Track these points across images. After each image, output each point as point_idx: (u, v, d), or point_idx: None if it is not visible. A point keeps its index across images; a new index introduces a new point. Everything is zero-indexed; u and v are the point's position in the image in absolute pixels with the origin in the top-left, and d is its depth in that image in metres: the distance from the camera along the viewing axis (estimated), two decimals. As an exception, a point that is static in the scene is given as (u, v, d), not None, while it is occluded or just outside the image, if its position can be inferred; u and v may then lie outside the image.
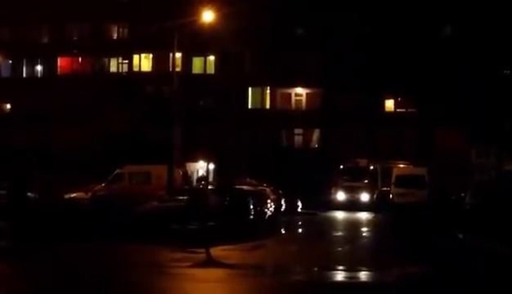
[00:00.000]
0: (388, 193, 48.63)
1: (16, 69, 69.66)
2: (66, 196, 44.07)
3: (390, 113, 63.01)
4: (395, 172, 48.94)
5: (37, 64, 70.05)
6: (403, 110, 62.63)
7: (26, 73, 70.13)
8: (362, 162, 52.23)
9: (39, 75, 70.08)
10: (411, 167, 50.56)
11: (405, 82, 59.38)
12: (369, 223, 38.74)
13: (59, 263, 19.99)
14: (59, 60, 68.98)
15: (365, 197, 50.29)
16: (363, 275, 18.58)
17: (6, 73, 69.54)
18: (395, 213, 42.95)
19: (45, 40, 69.23)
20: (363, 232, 32.95)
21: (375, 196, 50.38)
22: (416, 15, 59.85)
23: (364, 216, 43.78)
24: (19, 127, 64.18)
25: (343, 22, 60.24)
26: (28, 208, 32.01)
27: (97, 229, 27.69)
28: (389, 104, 63.67)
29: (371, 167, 52.00)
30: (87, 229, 27.32)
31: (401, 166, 50.87)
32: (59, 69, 69.02)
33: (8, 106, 69.68)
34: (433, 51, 59.32)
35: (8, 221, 28.82)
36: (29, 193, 47.23)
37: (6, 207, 30.26)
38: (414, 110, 61.59)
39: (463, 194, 44.80)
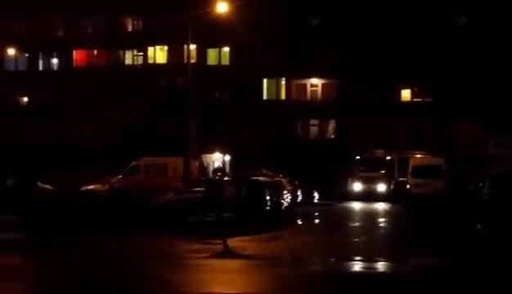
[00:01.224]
0: (405, 183, 48.45)
1: (32, 62, 69.93)
2: (83, 188, 44.31)
3: (406, 103, 62.73)
4: (412, 162, 48.74)
5: (52, 57, 70.29)
6: (420, 100, 62.34)
7: (42, 67, 70.40)
8: (379, 152, 52.06)
9: (55, 68, 70.34)
10: (428, 157, 50.33)
11: (421, 71, 59.06)
12: (385, 214, 38.63)
13: (75, 255, 20.06)
14: (74, 53, 69.20)
15: (381, 187, 50.13)
16: (380, 266, 18.52)
17: (22, 67, 69.81)
18: (412, 204, 42.77)
19: (60, 33, 69.45)
20: (380, 223, 32.84)
21: (391, 186, 50.20)
22: (432, 4, 59.49)
23: (381, 206, 43.66)
24: (35, 120, 64.46)
25: (359, 12, 59.97)
26: (44, 200, 32.18)
27: (114, 220, 27.76)
28: (406, 94, 63.39)
29: (388, 158, 51.81)
30: (104, 221, 27.40)
31: (418, 156, 50.64)
32: (74, 62, 69.26)
33: (25, 99, 69.96)
34: (450, 40, 58.94)
35: (19, 214, 28.99)
36: (46, 186, 47.57)
37: (17, 200, 30.45)
38: (430, 100, 61.28)
39: (481, 185, 44.77)
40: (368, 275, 17.12)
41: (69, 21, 68.51)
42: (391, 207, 42.64)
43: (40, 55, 70.13)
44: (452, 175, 47.69)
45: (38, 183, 49.73)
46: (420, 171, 47.45)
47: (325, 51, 60.94)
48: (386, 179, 50.53)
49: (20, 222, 27.83)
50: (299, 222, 32.70)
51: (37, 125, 64.09)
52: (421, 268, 17.67)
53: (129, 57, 68.60)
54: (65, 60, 69.31)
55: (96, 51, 69.20)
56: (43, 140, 62.21)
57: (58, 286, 15.20)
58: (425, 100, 61.90)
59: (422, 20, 59.44)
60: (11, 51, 65.11)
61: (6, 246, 22.23)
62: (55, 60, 70.44)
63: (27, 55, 69.45)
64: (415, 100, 62.83)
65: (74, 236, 24.08)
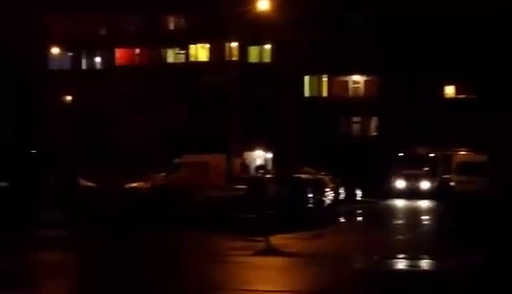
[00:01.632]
0: (449, 180, 47.95)
1: (76, 61, 70.64)
2: (126, 186, 44.67)
3: (450, 99, 62.08)
4: (455, 160, 48.23)
5: (95, 56, 70.96)
6: (464, 96, 61.67)
7: (85, 66, 71.10)
8: (422, 149, 51.67)
9: (98, 67, 70.99)
10: (472, 154, 49.74)
11: (465, 67, 58.39)
12: (429, 211, 38.30)
13: (117, 251, 20.21)
14: (116, 51, 69.75)
15: (425, 185, 49.73)
16: (423, 263, 18.35)
17: (66, 66, 70.54)
18: (456, 201, 42.31)
19: (103, 32, 70.08)
20: (423, 220, 32.57)
21: (435, 184, 49.75)
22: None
23: (424, 204, 43.30)
24: (81, 119, 65.14)
25: (401, 7, 59.47)
26: (87, 198, 32.54)
27: (157, 218, 27.93)
28: (449, 91, 62.73)
29: (431, 155, 51.36)
30: (147, 219, 27.58)
31: (462, 153, 50.09)
32: (117, 61, 69.79)
33: (69, 98, 70.71)
34: (494, 35, 58.16)
35: (62, 211, 29.36)
36: (89, 183, 48.11)
37: (60, 197, 30.85)
38: (475, 97, 60.55)
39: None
40: (412, 273, 16.97)
41: (111, 20, 69.09)
42: (434, 205, 42.28)
43: (83, 54, 70.82)
44: (497, 172, 47.06)
45: (82, 180, 50.40)
46: (464, 168, 46.92)
47: (367, 48, 60.59)
48: (429, 176, 50.10)
49: (63, 219, 28.20)
50: (342, 220, 32.57)
51: (81, 123, 64.73)
52: (465, 265, 17.45)
53: (171, 55, 68.92)
54: (108, 58, 69.91)
55: (138, 50, 69.66)
56: (87, 138, 62.85)
57: (101, 282, 15.31)
58: (469, 96, 61.17)
59: (466, 14, 58.67)
60: (55, 51, 65.84)
61: (51, 242, 22.49)
62: (98, 59, 71.09)
63: (70, 54, 70.15)
64: (459, 96, 62.15)
65: (117, 233, 24.27)
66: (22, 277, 15.82)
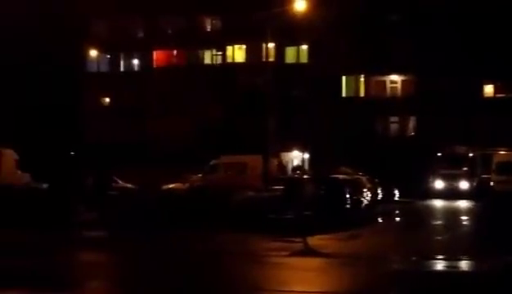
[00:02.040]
0: (488, 180, 47.46)
1: (114, 63, 71.24)
2: (164, 187, 44.93)
3: (489, 98, 61.46)
4: (495, 159, 47.73)
5: (133, 57, 71.49)
6: (503, 95, 60.99)
7: (123, 67, 71.65)
8: (461, 149, 51.22)
9: (136, 69, 71.51)
10: (512, 153, 49.20)
11: (505, 66, 57.75)
12: (468, 211, 37.95)
13: (156, 252, 20.35)
14: (154, 53, 70.19)
15: (464, 185, 49.32)
16: (463, 264, 18.20)
17: (104, 68, 71.18)
18: (495, 201, 41.88)
19: (140, 34, 70.58)
20: (462, 220, 32.28)
21: (474, 184, 49.29)
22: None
23: (463, 204, 42.92)
24: (118, 120, 65.66)
25: (438, 6, 59.00)
26: (124, 199, 32.81)
27: (194, 219, 28.05)
28: (488, 90, 62.09)
29: (470, 154, 50.90)
30: (185, 220, 27.71)
31: (502, 152, 49.53)
32: (154, 63, 70.23)
33: (107, 100, 71.33)
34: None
35: (100, 212, 29.65)
36: (127, 184, 48.46)
37: (96, 198, 31.17)
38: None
39: None
40: (450, 274, 16.83)
41: (149, 22, 69.57)
42: (473, 205, 41.88)
43: (121, 55, 71.38)
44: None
45: (120, 181, 50.82)
46: (504, 167, 46.42)
47: (404, 47, 60.22)
48: (468, 176, 49.68)
49: (102, 220, 28.48)
50: (379, 220, 32.42)
51: (119, 125, 65.25)
52: (504, 266, 17.27)
53: (208, 57, 69.20)
54: (146, 60, 70.39)
55: (175, 51, 70.04)
56: (125, 139, 63.34)
57: (141, 283, 15.44)
58: (509, 95, 60.47)
59: (504, 12, 58.04)
60: (93, 53, 66.49)
61: (91, 243, 22.73)
62: (135, 61, 71.62)
63: (108, 56, 70.78)
64: (498, 95, 61.48)
65: (155, 234, 24.44)
66: (65, 278, 16.01)
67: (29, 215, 27.55)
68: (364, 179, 37.07)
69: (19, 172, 41.03)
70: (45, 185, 41.24)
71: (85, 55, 68.18)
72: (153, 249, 20.98)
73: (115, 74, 70.21)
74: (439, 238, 24.63)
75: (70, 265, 18.08)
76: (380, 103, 63.07)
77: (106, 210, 30.13)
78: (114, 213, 29.36)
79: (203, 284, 15.19)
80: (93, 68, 70.81)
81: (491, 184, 46.92)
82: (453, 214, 35.61)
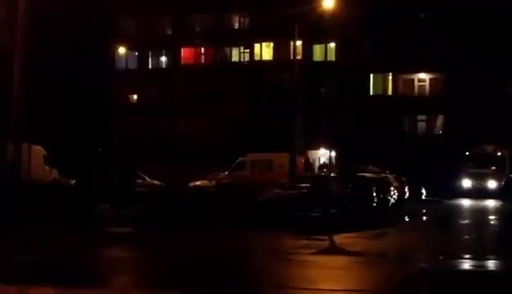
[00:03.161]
0: (517, 180, 47.15)
1: (142, 60, 71.57)
2: (191, 184, 45.14)
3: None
4: (524, 158, 47.39)
5: (161, 55, 71.79)
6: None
7: (151, 65, 71.95)
8: (489, 148, 50.88)
9: (163, 66, 71.78)
10: (541, 152, 48.81)
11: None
12: (496, 211, 37.69)
13: (184, 249, 20.44)
14: (182, 50, 70.41)
15: (492, 184, 49.00)
16: (490, 264, 18.09)
17: (132, 65, 71.54)
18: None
19: (168, 31, 70.85)
20: (490, 220, 32.06)
21: (502, 183, 48.94)
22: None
23: (491, 203, 42.64)
24: (145, 117, 65.96)
25: (467, 3, 58.58)
26: (152, 196, 33.02)
27: (221, 216, 28.14)
28: (517, 88, 61.60)
29: (499, 154, 50.54)
30: (212, 217, 27.81)
31: (531, 152, 49.19)
32: (182, 60, 70.44)
33: (135, 97, 71.69)
34: None
35: (125, 209, 29.86)
36: (154, 182, 48.72)
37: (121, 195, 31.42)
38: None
39: None
40: (478, 273, 16.74)
41: (176, 19, 69.81)
42: (502, 204, 41.58)
43: (149, 53, 71.68)
44: None
45: (147, 178, 51.11)
46: (533, 167, 46.07)
47: (433, 45, 59.89)
48: (497, 175, 49.35)
49: (128, 216, 28.68)
50: (407, 219, 32.30)
51: (146, 122, 65.56)
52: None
53: (236, 54, 69.28)
54: (173, 57, 70.65)
55: (203, 49, 70.20)
56: (152, 136, 63.62)
57: (168, 279, 15.53)
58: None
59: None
60: (122, 50, 66.85)
61: (119, 240, 22.89)
62: (163, 58, 71.92)
63: (136, 53, 71.12)
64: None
65: (182, 231, 24.56)
66: (94, 272, 16.15)
67: (56, 211, 27.78)
68: (391, 177, 36.95)
69: (47, 168, 41.41)
70: (73, 181, 41.68)
71: (114, 53, 68.55)
72: (180, 246, 21.08)
73: (143, 71, 70.53)
74: (466, 237, 24.51)
75: (97, 261, 18.22)
76: (408, 101, 62.80)
77: (133, 207, 30.35)
78: (141, 210, 29.57)
79: (229, 282, 15.25)
80: (122, 65, 71.18)
81: (520, 183, 46.58)
82: (481, 213, 35.38)
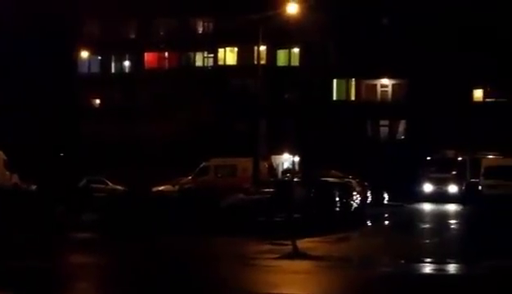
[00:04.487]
0: (477, 184, 47.64)
1: (105, 64, 71.12)
2: (154, 189, 44.95)
3: (479, 103, 61.71)
4: (484, 163, 47.90)
5: (125, 59, 71.39)
6: (493, 100, 61.25)
7: (114, 69, 71.53)
8: (450, 153, 51.39)
9: (127, 71, 71.42)
10: (501, 158, 49.37)
11: (494, 71, 58.05)
12: (457, 215, 38.11)
13: (146, 255, 20.37)
14: (146, 55, 70.12)
15: (453, 188, 49.49)
16: (451, 268, 18.30)
17: (95, 69, 71.07)
18: (484, 205, 42.06)
19: (132, 36, 70.50)
20: (451, 224, 32.42)
21: (463, 188, 49.49)
22: (505, 1, 58.39)
23: (452, 207, 43.09)
24: (108, 122, 65.55)
25: (429, 10, 59.20)
26: (114, 201, 32.81)
27: (184, 221, 28.07)
28: (478, 94, 62.35)
29: (459, 159, 51.08)
30: (174, 222, 27.72)
31: (491, 157, 49.73)
32: (146, 65, 70.15)
33: (98, 102, 71.24)
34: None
35: (91, 214, 29.66)
36: (116, 187, 48.43)
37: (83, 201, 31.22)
38: (504, 100, 60.10)
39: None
40: (438, 277, 16.93)
41: (141, 24, 69.50)
42: (462, 209, 42.04)
43: (112, 57, 71.27)
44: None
45: (109, 183, 50.76)
46: (493, 172, 46.59)
47: (395, 51, 60.36)
48: (457, 180, 49.85)
49: (92, 222, 28.47)
50: (369, 223, 32.51)
51: (109, 126, 65.15)
52: (493, 270, 17.38)
53: (200, 59, 69.18)
54: (137, 62, 70.31)
55: (167, 53, 69.99)
56: (115, 141, 63.23)
57: (129, 285, 15.47)
58: (498, 100, 60.75)
59: (495, 17, 58.30)
60: (85, 54, 66.39)
61: (80, 245, 22.73)
62: (127, 63, 71.54)
63: (99, 57, 70.68)
64: (487, 100, 61.76)
65: (145, 236, 24.45)
66: (54, 279, 16.03)
67: (16, 216, 27.45)
68: (354, 182, 37.17)
69: (7, 173, 40.93)
70: (34, 187, 41.29)
71: (76, 57, 68.05)
72: (140, 252, 20.99)
73: (106, 76, 70.09)
74: (427, 241, 24.75)
75: (55, 267, 18.07)
76: (371, 106, 63.24)
77: (94, 212, 30.12)
78: (102, 216, 29.35)
79: (191, 287, 15.23)
80: (84, 69, 70.68)
81: (480, 188, 47.10)
82: (441, 217, 35.74)
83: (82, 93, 68.41)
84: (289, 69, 65.36)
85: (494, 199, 43.24)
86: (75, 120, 66.21)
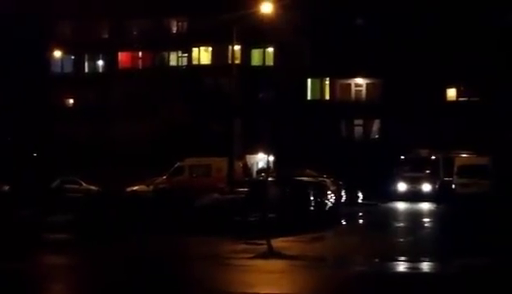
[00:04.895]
0: (451, 183, 47.98)
1: (78, 64, 70.70)
2: (128, 189, 44.80)
3: (452, 102, 62.13)
4: (457, 162, 48.26)
5: (98, 59, 71.02)
6: (465, 99, 61.71)
7: (88, 69, 71.14)
8: (424, 152, 51.66)
9: (100, 70, 71.05)
10: (474, 156, 49.77)
11: (467, 70, 58.51)
12: (430, 214, 38.32)
13: (120, 255, 20.28)
14: (119, 55, 69.80)
15: (426, 187, 49.76)
16: (425, 266, 18.40)
17: (68, 69, 70.63)
18: (457, 204, 42.37)
19: (106, 35, 70.15)
20: (425, 223, 32.60)
21: (436, 186, 49.79)
22: (479, 1, 58.86)
23: (425, 206, 43.32)
24: (81, 122, 65.20)
25: (404, 10, 59.52)
26: (88, 201, 32.64)
27: (159, 221, 27.99)
28: (451, 94, 62.77)
29: (433, 157, 51.38)
30: (149, 222, 27.63)
31: (464, 156, 50.12)
32: (119, 64, 69.84)
33: (71, 101, 70.82)
34: (496, 38, 58.24)
35: (65, 214, 29.45)
36: (91, 187, 48.21)
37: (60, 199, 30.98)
38: (477, 99, 60.60)
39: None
40: (413, 276, 17.02)
41: (114, 23, 69.17)
42: (436, 207, 42.31)
43: (86, 57, 70.88)
44: (499, 175, 47.07)
45: (83, 183, 50.51)
46: (466, 170, 46.96)
47: (370, 51, 60.62)
48: (431, 179, 50.13)
49: (67, 222, 28.28)
50: (343, 222, 32.60)
51: (83, 126, 64.81)
52: (466, 268, 17.51)
53: (174, 58, 69.00)
54: (111, 61, 69.97)
55: (141, 53, 69.72)
56: (89, 141, 62.92)
57: (103, 285, 15.39)
58: (471, 99, 61.23)
59: (468, 18, 58.78)
60: (57, 54, 65.94)
61: (54, 246, 22.57)
62: (100, 62, 71.17)
63: (73, 57, 70.24)
64: (460, 99, 62.22)
65: (119, 237, 24.34)
66: (25, 281, 15.91)
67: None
68: (328, 181, 37.27)
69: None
70: (6, 187, 41.01)
71: (49, 56, 67.59)
72: (114, 253, 20.89)
73: (79, 76, 69.67)
74: (401, 240, 24.87)
75: (25, 268, 17.93)
76: (345, 106, 63.42)
77: (67, 213, 29.92)
78: (76, 216, 29.17)
79: (166, 288, 15.19)
80: (57, 69, 70.22)
81: (453, 186, 47.44)
82: (416, 216, 35.93)
83: (55, 93, 67.92)
84: (263, 68, 65.39)
85: (467, 198, 43.58)
86: (48, 120, 65.74)
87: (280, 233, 22.86)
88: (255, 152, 58.34)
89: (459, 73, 59.40)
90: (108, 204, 30.50)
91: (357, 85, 64.66)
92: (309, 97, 65.50)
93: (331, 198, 34.14)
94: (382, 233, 26.98)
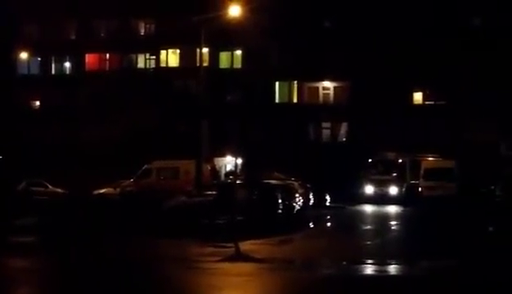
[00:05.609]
0: (417, 186, 48.33)
1: (45, 66, 70.12)
2: (95, 192, 44.52)
3: (418, 105, 62.59)
4: (424, 165, 48.62)
5: (65, 60, 70.48)
6: (432, 103, 62.22)
7: (55, 70, 70.59)
8: (391, 155, 51.95)
9: (67, 72, 70.52)
10: (440, 159, 50.19)
11: (433, 74, 59.02)
12: (397, 216, 38.57)
13: (87, 257, 20.14)
14: (87, 56, 69.35)
15: (393, 190, 50.05)
16: (392, 269, 18.51)
17: (34, 71, 70.03)
18: (424, 206, 42.69)
19: (73, 37, 69.64)
20: (392, 225, 32.81)
21: (403, 189, 50.11)
22: (445, 6, 59.42)
23: (392, 209, 43.57)
24: (48, 124, 64.66)
25: (371, 14, 59.91)
26: (55, 204, 32.36)
27: (126, 224, 27.83)
28: (417, 97, 63.23)
29: (400, 161, 51.68)
30: (115, 225, 27.48)
31: (430, 159, 50.51)
32: (87, 66, 69.39)
33: (37, 103, 70.22)
34: (462, 42, 58.83)
35: (32, 217, 29.17)
36: (57, 190, 47.79)
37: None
38: (443, 103, 61.12)
39: (493, 187, 44.64)
40: (380, 278, 17.10)
41: (81, 25, 68.71)
42: (403, 210, 42.57)
43: (52, 58, 70.32)
44: (464, 178, 47.53)
45: (49, 186, 50.07)
46: (432, 173, 47.33)
47: (337, 54, 60.88)
48: (398, 182, 50.42)
49: (33, 225, 28.03)
50: (311, 225, 32.68)
51: (50, 128, 64.27)
52: (433, 270, 17.64)
53: (142, 61, 68.71)
54: (78, 63, 69.48)
55: (108, 55, 69.35)
56: (56, 143, 62.41)
57: (70, 288, 15.27)
58: (437, 102, 61.74)
59: (435, 22, 59.33)
60: (24, 55, 65.32)
61: (20, 249, 22.35)
62: (67, 64, 70.63)
63: (39, 58, 69.64)
64: (426, 102, 62.71)
65: (85, 239, 24.16)
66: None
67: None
68: (296, 184, 37.29)
69: None
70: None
71: (15, 57, 66.95)
72: (80, 255, 20.74)
73: (46, 77, 69.09)
74: (369, 242, 24.99)
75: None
76: (313, 109, 63.60)
77: (33, 215, 29.65)
78: (42, 219, 28.90)
79: (133, 290, 15.10)
80: (23, 70, 69.60)
81: (420, 189, 47.79)
82: (383, 219, 36.13)
83: (21, 94, 67.30)
84: (231, 71, 65.39)
85: (433, 200, 43.96)
86: (15, 122, 65.08)
87: (248, 236, 22.86)
88: (223, 154, 58.23)
89: (425, 77, 59.87)
90: (75, 207, 30.27)
91: (324, 88, 64.88)
92: (277, 100, 65.59)
93: (299, 200, 34.20)
94: (349, 235, 27.11)
